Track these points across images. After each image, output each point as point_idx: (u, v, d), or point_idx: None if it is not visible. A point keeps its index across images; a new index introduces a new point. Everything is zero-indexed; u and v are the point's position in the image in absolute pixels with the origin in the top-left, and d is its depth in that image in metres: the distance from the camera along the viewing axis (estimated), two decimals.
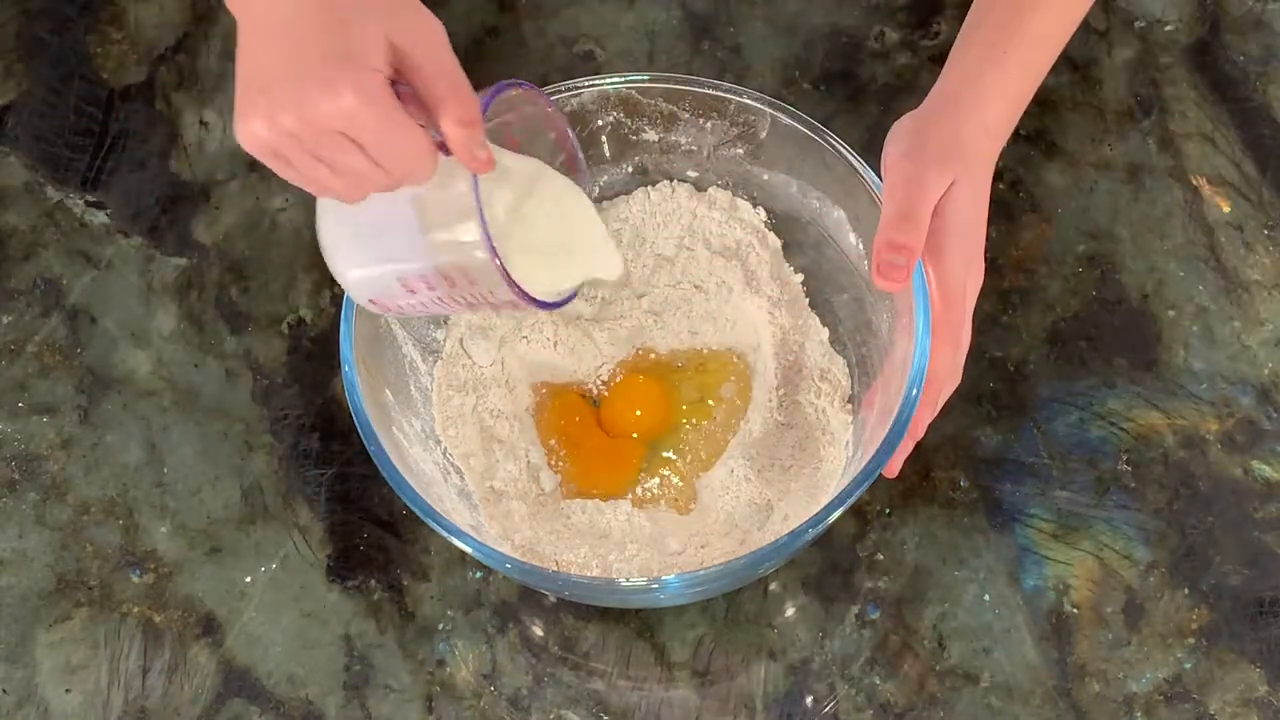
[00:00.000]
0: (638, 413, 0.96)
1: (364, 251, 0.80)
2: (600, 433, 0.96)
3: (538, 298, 0.80)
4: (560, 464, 0.95)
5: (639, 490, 0.94)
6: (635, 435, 0.96)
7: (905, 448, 0.89)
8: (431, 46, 0.75)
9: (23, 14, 1.16)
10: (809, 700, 0.91)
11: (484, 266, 0.78)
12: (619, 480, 0.95)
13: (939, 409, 0.90)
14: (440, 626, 0.93)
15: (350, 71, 0.72)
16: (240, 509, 0.97)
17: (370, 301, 0.83)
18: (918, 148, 0.89)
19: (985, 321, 1.01)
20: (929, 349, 0.85)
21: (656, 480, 0.95)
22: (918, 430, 0.89)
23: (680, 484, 0.94)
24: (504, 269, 0.77)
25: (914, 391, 0.84)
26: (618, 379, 0.98)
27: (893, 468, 0.90)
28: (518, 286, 0.78)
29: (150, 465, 0.99)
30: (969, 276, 0.88)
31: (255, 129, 0.73)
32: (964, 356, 0.90)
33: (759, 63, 1.12)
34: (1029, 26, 0.93)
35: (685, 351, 0.99)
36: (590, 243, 0.86)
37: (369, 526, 0.96)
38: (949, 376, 0.89)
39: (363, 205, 0.77)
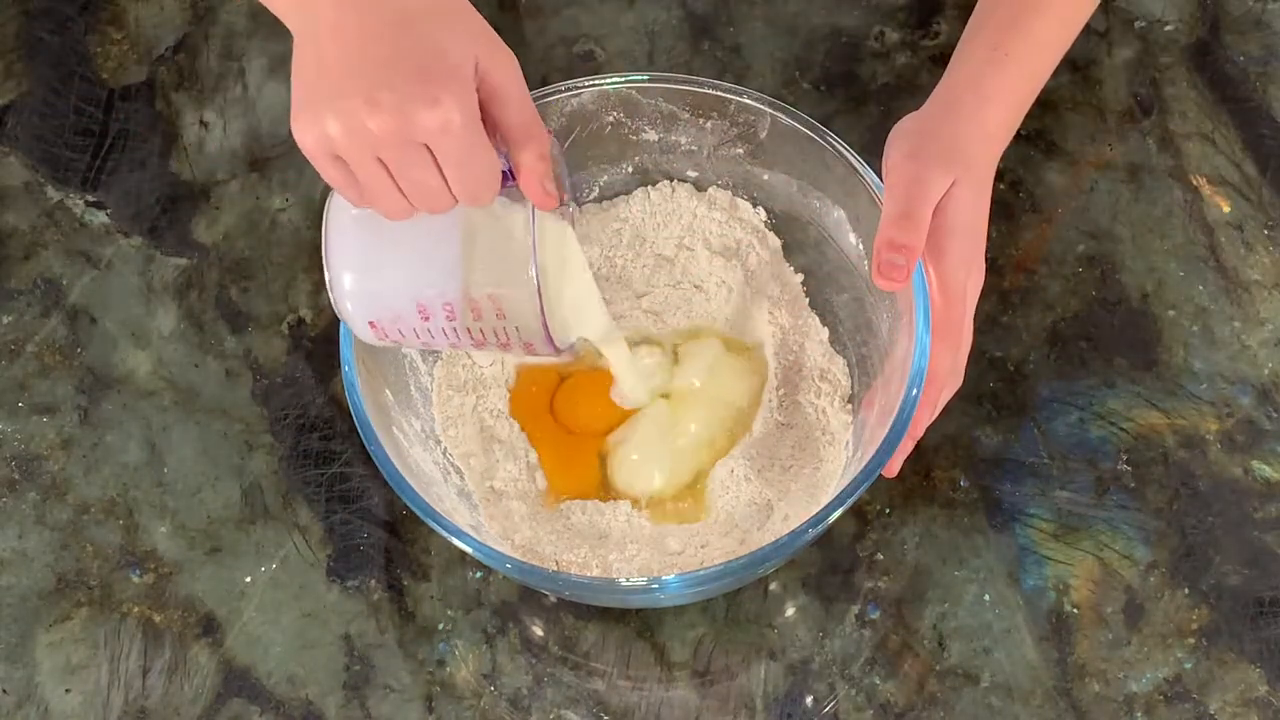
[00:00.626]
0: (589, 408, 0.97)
1: (385, 268, 0.79)
2: (558, 430, 0.96)
3: (557, 343, 0.81)
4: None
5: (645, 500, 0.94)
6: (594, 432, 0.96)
7: (905, 448, 0.89)
8: (512, 76, 0.75)
9: (23, 14, 1.16)
10: (809, 700, 0.91)
11: (524, 302, 0.78)
12: (579, 480, 0.94)
13: (939, 410, 0.90)
14: (440, 626, 0.93)
15: (455, 87, 0.72)
16: (240, 509, 0.97)
17: (369, 325, 0.81)
18: (919, 149, 0.89)
19: (985, 321, 1.01)
20: (929, 349, 0.85)
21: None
22: (917, 430, 0.89)
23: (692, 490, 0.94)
24: (543, 309, 0.77)
25: (914, 391, 0.84)
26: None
27: (892, 468, 0.90)
28: (547, 328, 0.78)
29: (150, 465, 0.99)
30: (969, 277, 0.88)
31: (326, 129, 0.72)
32: (965, 357, 0.90)
33: (759, 63, 1.12)
34: (1032, 30, 0.93)
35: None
36: (585, 292, 0.88)
37: (369, 526, 0.96)
38: (949, 377, 0.89)
39: (399, 226, 0.77)
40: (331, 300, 0.81)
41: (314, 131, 0.73)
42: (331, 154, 0.74)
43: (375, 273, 0.80)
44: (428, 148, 0.73)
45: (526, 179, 0.76)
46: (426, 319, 0.80)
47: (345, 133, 0.72)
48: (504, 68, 0.75)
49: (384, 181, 0.74)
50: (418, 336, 0.82)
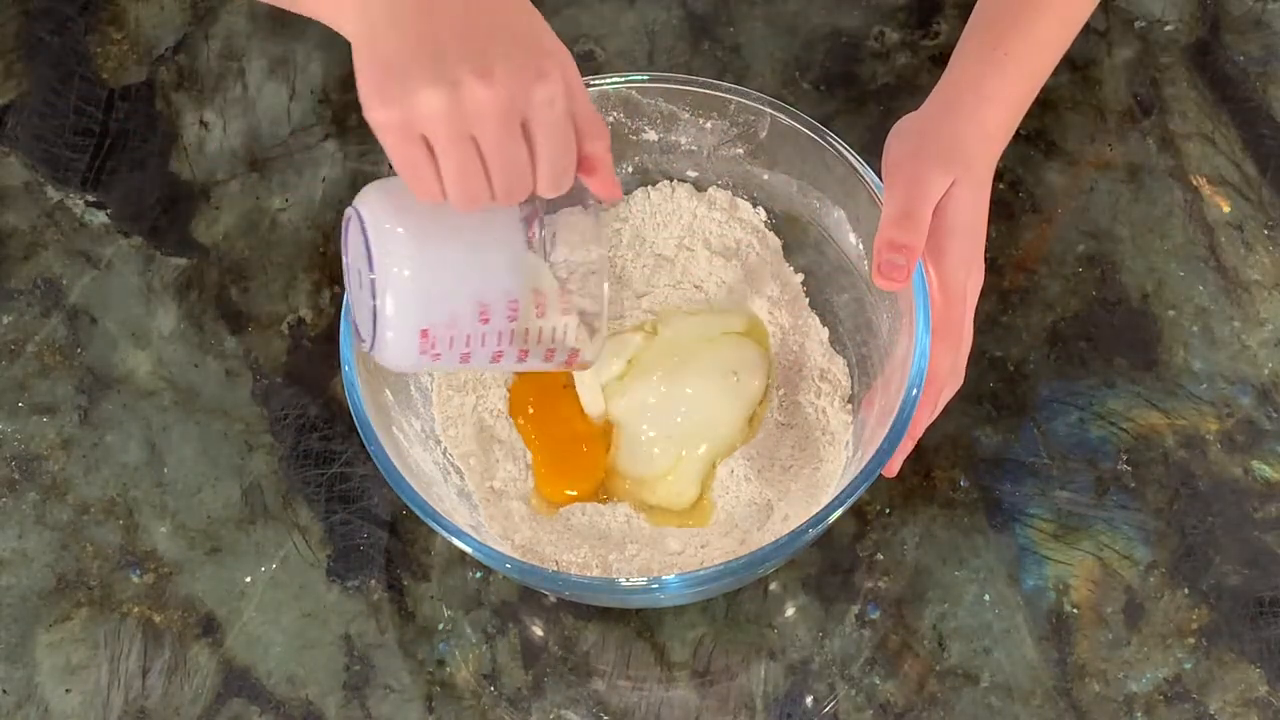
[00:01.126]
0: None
1: (447, 266, 0.76)
2: (554, 433, 0.96)
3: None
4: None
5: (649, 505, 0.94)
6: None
7: (905, 448, 0.89)
8: (575, 68, 0.74)
9: (23, 14, 1.16)
10: (809, 700, 0.91)
11: (593, 290, 0.78)
12: (575, 484, 0.94)
13: (939, 410, 0.90)
14: (440, 626, 0.93)
15: (561, 62, 0.71)
16: (240, 509, 0.97)
17: (420, 334, 0.76)
18: (919, 148, 0.89)
19: (985, 321, 1.01)
20: (929, 348, 0.85)
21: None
22: (917, 431, 0.89)
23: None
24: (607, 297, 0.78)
25: (914, 391, 0.84)
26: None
27: (893, 468, 0.90)
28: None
29: (150, 465, 0.99)
30: (969, 277, 0.88)
31: (420, 103, 0.69)
32: (965, 357, 0.90)
33: (759, 63, 1.12)
34: (1032, 30, 0.93)
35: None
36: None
37: (369, 526, 0.96)
38: (950, 377, 0.89)
39: (457, 219, 0.75)
40: (370, 308, 0.76)
41: (402, 106, 0.69)
42: (415, 133, 0.70)
43: (435, 271, 0.75)
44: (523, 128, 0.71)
45: (597, 168, 0.75)
46: (486, 320, 0.76)
47: (447, 105, 0.69)
48: (571, 61, 0.74)
49: (474, 163, 0.71)
50: (466, 346, 0.77)
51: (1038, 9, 0.93)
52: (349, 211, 0.78)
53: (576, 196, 0.77)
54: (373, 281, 0.75)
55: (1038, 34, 0.93)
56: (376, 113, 0.70)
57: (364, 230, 0.76)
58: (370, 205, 0.77)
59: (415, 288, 0.75)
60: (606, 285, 0.79)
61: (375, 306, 0.76)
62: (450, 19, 0.71)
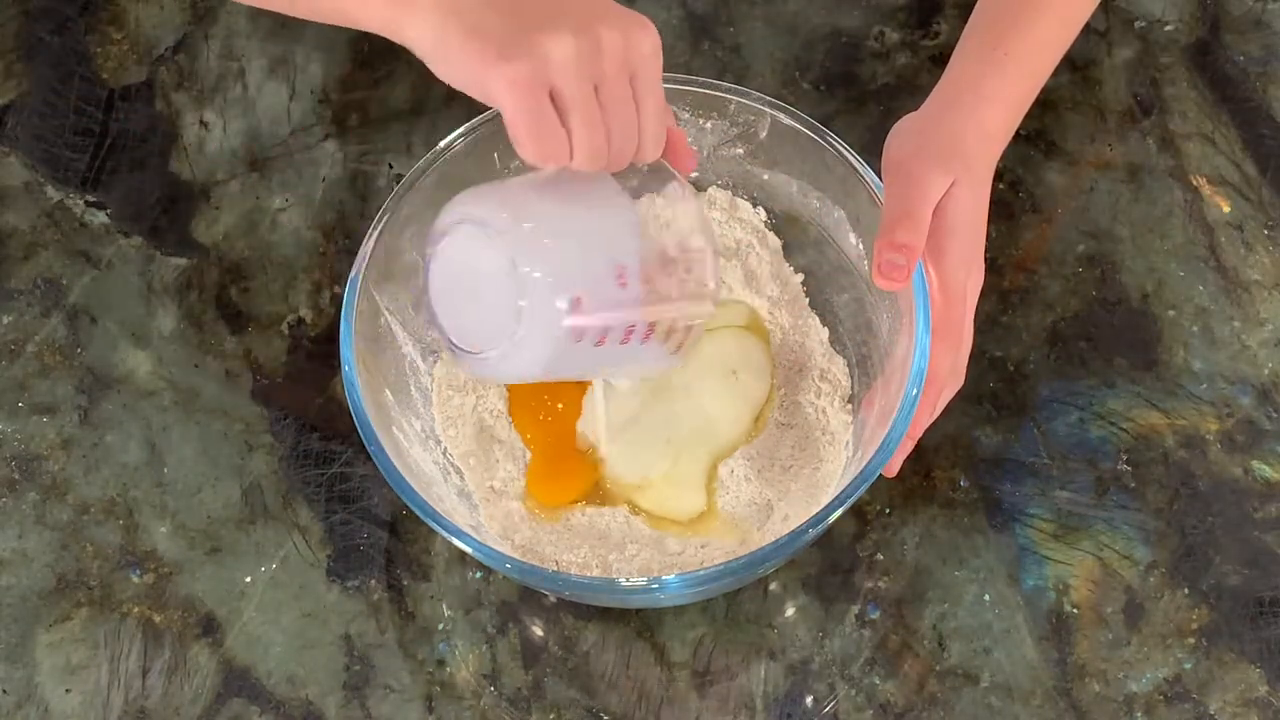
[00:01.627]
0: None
1: (578, 234, 0.75)
2: (550, 437, 0.95)
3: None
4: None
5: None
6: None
7: (905, 448, 0.89)
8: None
9: (23, 14, 1.16)
10: (809, 700, 0.91)
11: (703, 252, 0.79)
12: (567, 489, 0.94)
13: (939, 410, 0.90)
14: (440, 626, 0.93)
15: (648, 19, 0.74)
16: (240, 509, 0.97)
17: (573, 305, 0.74)
18: (919, 149, 0.89)
19: (985, 321, 1.01)
20: (929, 348, 0.85)
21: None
22: (917, 431, 0.89)
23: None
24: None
25: (914, 391, 0.84)
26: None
27: (892, 468, 0.90)
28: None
29: (150, 465, 0.99)
30: (969, 277, 0.88)
31: (553, 52, 0.69)
32: (965, 358, 0.90)
33: (759, 63, 1.12)
34: (1031, 31, 0.93)
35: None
36: None
37: (369, 526, 0.96)
38: (950, 377, 0.89)
39: (567, 192, 0.75)
40: (512, 308, 0.74)
41: (532, 58, 0.69)
42: (545, 85, 0.70)
43: (569, 239, 0.75)
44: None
45: (676, 139, 0.78)
46: (623, 283, 0.75)
47: (577, 51, 0.70)
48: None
49: (599, 114, 0.72)
50: (608, 314, 0.76)
51: (1038, 9, 0.93)
52: (446, 227, 0.77)
53: (663, 174, 0.79)
54: (512, 274, 0.74)
55: (1038, 34, 0.93)
56: (503, 68, 0.69)
57: (484, 224, 0.75)
58: (479, 204, 0.76)
59: (560, 257, 0.74)
60: (715, 271, 0.79)
61: (521, 304, 0.74)
62: None
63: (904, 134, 0.91)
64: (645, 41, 0.73)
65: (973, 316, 0.90)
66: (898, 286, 0.85)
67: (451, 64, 0.73)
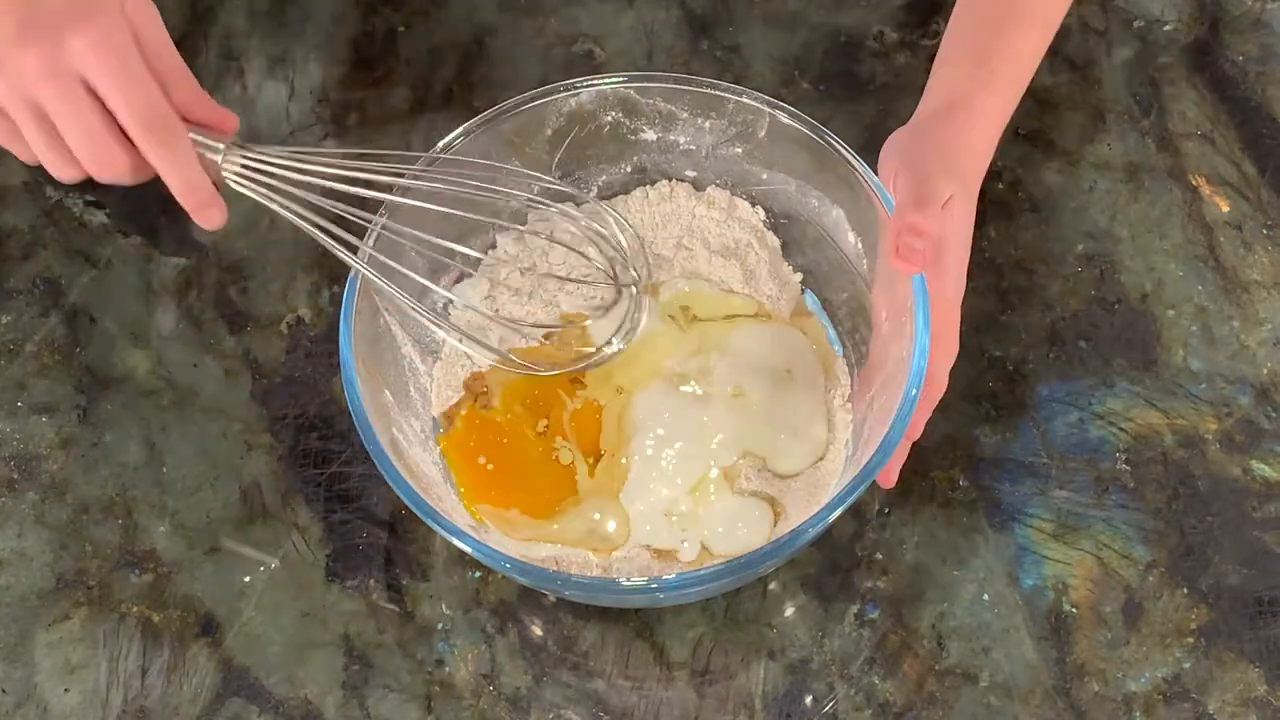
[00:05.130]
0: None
1: None
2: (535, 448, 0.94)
3: None
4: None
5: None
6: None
7: (901, 452, 0.89)
8: (157, 21, 0.75)
9: None
10: (808, 700, 0.91)
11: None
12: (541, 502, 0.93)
13: (928, 416, 0.91)
14: (439, 626, 0.93)
15: (106, 7, 0.71)
16: (239, 508, 0.97)
17: None
18: (917, 161, 0.90)
19: (985, 321, 1.01)
20: (928, 348, 0.85)
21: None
22: (914, 432, 0.90)
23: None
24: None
25: (913, 391, 0.84)
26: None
27: (889, 477, 0.90)
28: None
29: (149, 465, 0.99)
30: (958, 290, 0.89)
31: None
32: (949, 366, 0.91)
33: (758, 62, 1.12)
34: (1013, 42, 0.94)
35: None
36: None
37: (369, 526, 0.96)
38: (940, 384, 0.90)
39: None
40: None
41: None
42: None
43: None
44: (88, 88, 0.70)
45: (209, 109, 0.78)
46: None
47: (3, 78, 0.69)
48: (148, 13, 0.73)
49: (40, 131, 0.71)
50: None
51: (1018, 21, 0.94)
52: None
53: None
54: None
55: (1019, 45, 0.94)
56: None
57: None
58: None
59: None
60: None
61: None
62: None
63: (900, 146, 0.92)
64: (81, 39, 0.69)
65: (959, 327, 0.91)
66: (915, 269, 0.85)
67: None
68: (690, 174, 1.00)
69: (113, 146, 0.72)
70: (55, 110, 0.70)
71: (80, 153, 0.72)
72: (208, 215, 0.80)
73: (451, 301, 0.97)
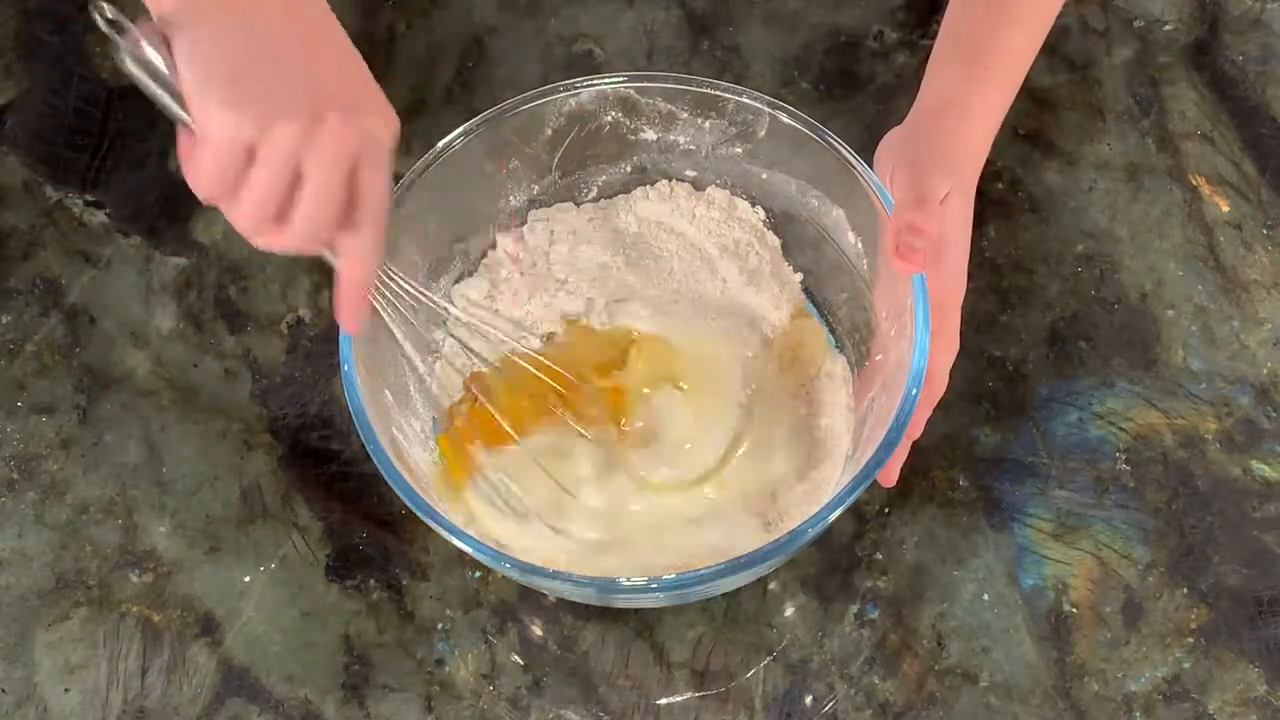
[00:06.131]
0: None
1: None
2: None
3: None
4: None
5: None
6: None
7: (901, 451, 0.89)
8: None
9: (22, 14, 1.16)
10: (808, 699, 0.91)
11: None
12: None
13: (928, 415, 0.91)
14: (439, 626, 0.93)
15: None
16: (239, 508, 0.97)
17: None
18: (914, 159, 0.90)
19: (984, 321, 1.01)
20: (928, 348, 0.85)
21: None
22: (914, 432, 0.90)
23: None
24: None
25: (914, 391, 0.84)
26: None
27: (889, 477, 0.90)
28: None
29: (149, 465, 0.99)
30: (959, 288, 0.89)
31: (283, 130, 0.75)
32: (949, 365, 0.91)
33: (758, 62, 1.12)
34: (1009, 41, 0.94)
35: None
36: None
37: (368, 526, 0.96)
38: (940, 382, 0.90)
39: None
40: None
41: (256, 127, 0.74)
42: (250, 147, 0.75)
43: None
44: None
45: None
46: None
47: (290, 140, 0.74)
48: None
49: (271, 191, 0.76)
50: None
51: (1012, 19, 0.94)
52: None
53: None
54: None
55: (1015, 45, 0.94)
56: (226, 115, 0.74)
57: None
58: None
59: None
60: None
61: None
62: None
63: (896, 145, 0.92)
64: (366, 121, 0.76)
65: (959, 326, 0.91)
66: (915, 269, 0.85)
67: (191, 66, 0.75)
68: (690, 174, 1.00)
69: (331, 223, 0.77)
70: (314, 174, 0.75)
71: (304, 213, 0.76)
72: (356, 317, 0.83)
73: (452, 302, 0.97)
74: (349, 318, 0.82)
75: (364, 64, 0.79)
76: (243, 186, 0.75)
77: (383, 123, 0.78)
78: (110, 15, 0.76)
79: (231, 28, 0.75)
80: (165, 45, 0.76)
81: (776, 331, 0.98)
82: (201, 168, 0.75)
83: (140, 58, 0.76)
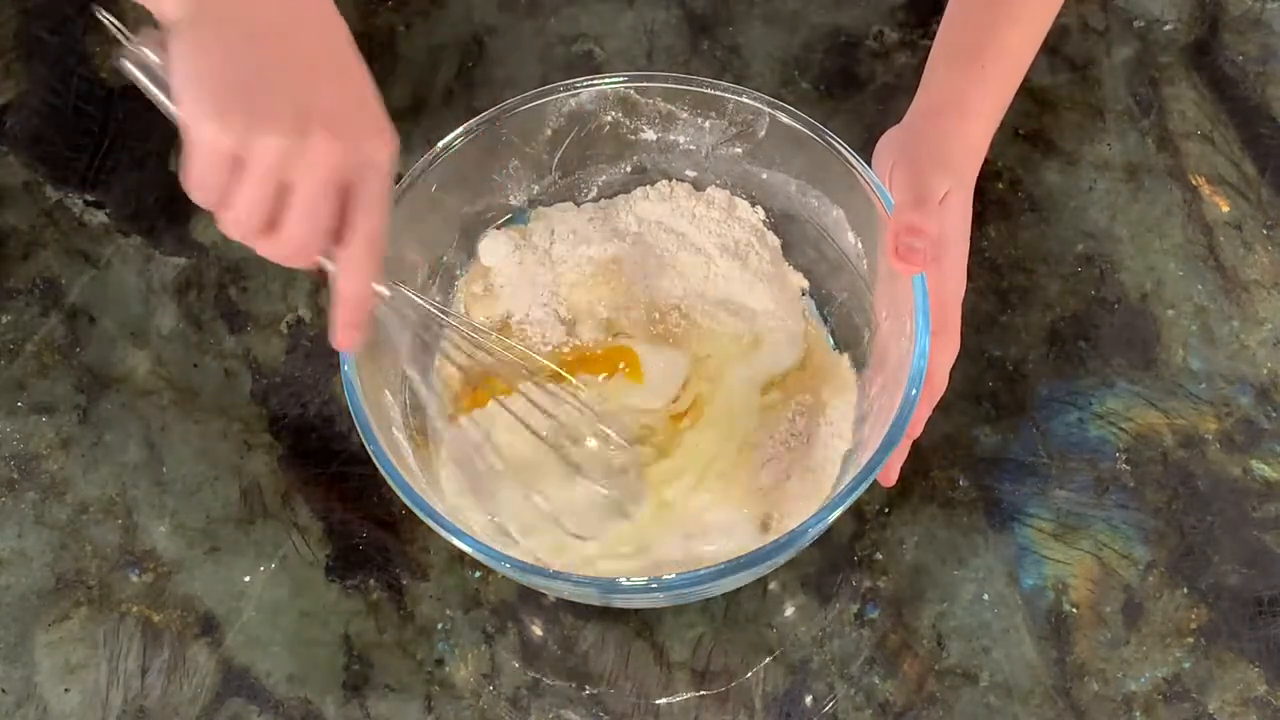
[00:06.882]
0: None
1: None
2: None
3: None
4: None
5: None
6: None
7: (901, 450, 0.89)
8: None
9: (22, 13, 1.16)
10: (808, 699, 0.91)
11: None
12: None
13: (927, 415, 0.90)
14: (439, 626, 0.93)
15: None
16: (239, 508, 0.97)
17: None
18: (913, 158, 0.90)
19: (985, 321, 1.01)
20: (928, 348, 0.85)
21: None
22: (915, 431, 0.90)
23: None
24: None
25: (914, 391, 0.84)
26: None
27: (890, 476, 0.90)
28: None
29: (149, 465, 0.99)
30: (960, 286, 0.89)
31: (271, 140, 0.74)
32: (951, 364, 0.91)
33: (758, 62, 1.12)
34: (1006, 40, 0.94)
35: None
36: None
37: (368, 526, 0.96)
38: (940, 382, 0.90)
39: None
40: None
41: (243, 137, 0.74)
42: (239, 158, 0.74)
43: None
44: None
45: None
46: None
47: (279, 153, 0.74)
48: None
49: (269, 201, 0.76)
50: None
51: (1011, 19, 0.94)
52: None
53: None
54: None
55: (1013, 44, 0.94)
56: (210, 128, 0.74)
57: None
58: None
59: None
60: None
61: None
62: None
63: (895, 144, 0.92)
64: (366, 146, 0.76)
65: (960, 325, 0.91)
66: (915, 270, 0.85)
67: (184, 73, 0.75)
68: (690, 174, 1.00)
69: (319, 239, 0.77)
70: (300, 190, 0.75)
71: (289, 230, 0.76)
72: (353, 335, 0.81)
73: (451, 302, 0.97)
74: (343, 335, 0.80)
75: (368, 82, 0.78)
76: (231, 195, 0.75)
77: (379, 143, 0.77)
78: (114, 20, 0.76)
79: (230, 38, 0.75)
80: (166, 51, 0.76)
81: (776, 333, 0.98)
82: (190, 174, 0.75)
83: (142, 62, 0.76)
